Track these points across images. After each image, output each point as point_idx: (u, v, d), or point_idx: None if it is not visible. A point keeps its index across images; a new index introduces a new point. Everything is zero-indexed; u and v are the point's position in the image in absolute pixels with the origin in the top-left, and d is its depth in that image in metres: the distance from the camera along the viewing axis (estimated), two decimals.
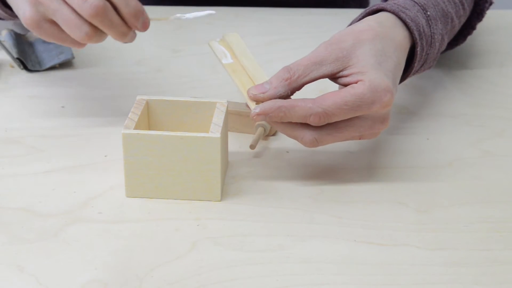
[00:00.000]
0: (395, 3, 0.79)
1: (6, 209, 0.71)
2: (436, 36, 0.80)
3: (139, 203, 0.72)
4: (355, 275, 0.64)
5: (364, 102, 0.70)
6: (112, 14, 0.73)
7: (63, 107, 0.88)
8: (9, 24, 1.01)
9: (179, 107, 0.75)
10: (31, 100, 0.89)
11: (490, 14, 1.05)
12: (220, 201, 0.73)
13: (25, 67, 0.95)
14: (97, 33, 0.73)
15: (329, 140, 0.72)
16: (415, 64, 0.79)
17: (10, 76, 0.94)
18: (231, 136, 0.80)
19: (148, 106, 0.75)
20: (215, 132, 0.70)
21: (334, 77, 0.73)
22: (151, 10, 0.81)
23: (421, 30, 0.78)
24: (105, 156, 0.79)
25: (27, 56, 0.96)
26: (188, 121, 0.76)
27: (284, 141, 0.81)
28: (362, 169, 0.78)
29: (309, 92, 0.74)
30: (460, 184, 0.76)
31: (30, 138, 0.82)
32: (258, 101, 0.72)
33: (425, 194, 0.75)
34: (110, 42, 0.79)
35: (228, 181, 0.75)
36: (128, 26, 0.74)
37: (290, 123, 0.71)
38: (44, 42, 0.99)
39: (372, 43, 0.73)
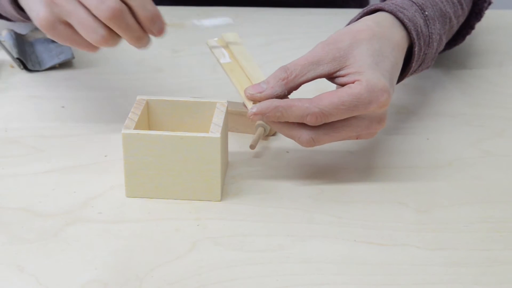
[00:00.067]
0: (393, 3, 0.79)
1: (6, 209, 0.71)
2: (434, 36, 0.80)
3: (139, 203, 0.72)
4: (355, 275, 0.64)
5: (361, 102, 0.70)
6: (129, 18, 0.71)
7: (63, 107, 0.88)
8: (9, 24, 1.01)
9: (179, 107, 0.75)
10: (31, 100, 0.89)
11: (489, 14, 1.05)
12: (220, 201, 0.73)
13: (25, 67, 0.95)
14: (112, 36, 0.71)
15: (326, 140, 0.72)
16: (413, 64, 0.79)
17: (10, 76, 0.94)
18: (231, 136, 0.80)
19: (148, 106, 0.75)
20: (215, 132, 0.70)
21: (331, 77, 0.73)
22: None
23: (419, 30, 0.78)
24: (105, 156, 0.79)
25: (27, 56, 0.96)
26: (188, 121, 0.76)
27: (284, 141, 0.81)
28: (362, 169, 0.78)
29: (307, 92, 0.74)
30: (460, 184, 0.77)
31: (30, 138, 0.82)
32: (255, 101, 0.72)
33: (425, 194, 0.75)
34: None
35: (228, 181, 0.75)
36: (144, 31, 0.73)
37: (287, 122, 0.71)
38: (44, 42, 0.99)
39: (370, 43, 0.73)
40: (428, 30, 0.79)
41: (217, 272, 0.64)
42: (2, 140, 0.81)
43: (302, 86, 0.73)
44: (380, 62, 0.72)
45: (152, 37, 0.74)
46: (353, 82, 0.71)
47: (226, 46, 0.78)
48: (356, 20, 0.79)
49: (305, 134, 0.71)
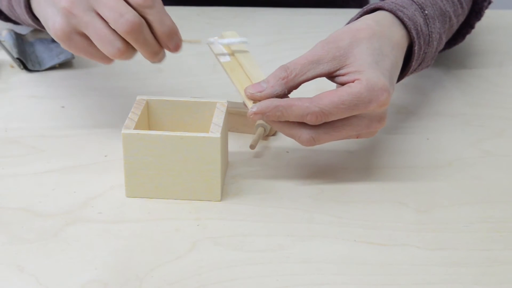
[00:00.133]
0: (392, 2, 0.79)
1: (6, 209, 0.71)
2: (434, 35, 0.80)
3: (139, 203, 0.72)
4: (355, 275, 0.64)
5: (361, 101, 0.70)
6: (147, 32, 0.71)
7: (63, 107, 0.88)
8: (10, 24, 1.01)
9: (179, 107, 0.75)
10: (31, 100, 0.89)
11: (489, 14, 1.06)
12: (220, 201, 0.73)
13: (25, 67, 0.95)
14: (128, 50, 0.71)
15: (326, 139, 0.72)
16: (413, 63, 0.79)
17: (10, 76, 0.94)
18: (231, 136, 0.80)
19: (148, 106, 0.75)
20: (215, 132, 0.70)
21: (331, 76, 0.73)
22: None
23: (419, 29, 0.78)
24: (105, 156, 0.79)
25: (27, 56, 0.97)
26: (188, 121, 0.76)
27: (284, 141, 0.81)
28: (362, 169, 0.78)
29: (307, 91, 0.74)
30: (460, 184, 0.77)
31: (30, 138, 0.82)
32: (255, 100, 0.72)
33: (425, 194, 0.75)
34: None
35: (228, 181, 0.75)
36: (160, 46, 0.73)
37: (288, 122, 0.71)
38: (44, 42, 0.99)
39: (369, 42, 0.73)
40: (428, 29, 0.79)
41: (217, 272, 0.64)
42: (2, 140, 0.81)
43: (302, 85, 0.73)
44: (380, 61, 0.72)
45: None
46: (353, 81, 0.71)
47: (226, 45, 0.78)
48: (356, 19, 0.79)
49: (305, 133, 0.71)
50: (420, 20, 0.79)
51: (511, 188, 0.76)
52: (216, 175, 0.71)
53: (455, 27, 0.91)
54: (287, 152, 0.80)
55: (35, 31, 1.02)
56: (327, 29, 0.83)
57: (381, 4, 0.79)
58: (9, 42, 0.97)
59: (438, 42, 0.83)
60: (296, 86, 0.72)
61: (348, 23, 0.80)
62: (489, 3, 0.96)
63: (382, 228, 0.70)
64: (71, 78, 0.94)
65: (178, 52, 0.74)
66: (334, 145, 0.80)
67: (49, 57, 0.97)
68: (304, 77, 0.72)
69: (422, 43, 0.78)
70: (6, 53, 0.96)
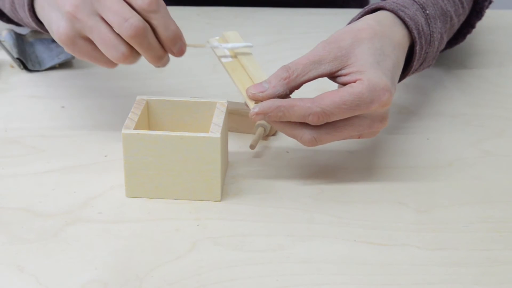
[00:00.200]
0: (394, 2, 0.79)
1: (6, 209, 0.71)
2: (435, 35, 0.80)
3: (139, 203, 0.72)
4: (355, 275, 0.64)
5: (363, 101, 0.70)
6: (151, 36, 0.71)
7: (63, 107, 0.88)
8: (11, 25, 1.01)
9: (179, 107, 0.75)
10: (31, 100, 0.89)
11: (490, 14, 1.05)
12: (220, 201, 0.73)
13: (25, 67, 0.95)
14: (132, 54, 0.71)
15: (328, 139, 0.72)
16: (414, 63, 0.79)
17: (10, 76, 0.94)
18: (231, 136, 0.80)
19: (148, 106, 0.75)
20: (215, 132, 0.70)
21: (332, 76, 0.73)
22: None
23: (420, 28, 0.78)
24: (105, 156, 0.79)
25: (27, 56, 0.96)
26: (188, 121, 0.76)
27: (284, 141, 0.81)
28: (362, 169, 0.78)
29: (308, 91, 0.74)
30: (460, 184, 0.76)
31: (30, 138, 0.82)
32: (257, 100, 0.72)
33: (425, 194, 0.75)
34: None
35: (228, 181, 0.75)
36: (164, 50, 0.73)
37: (289, 122, 0.71)
38: (44, 42, 0.99)
39: (371, 42, 0.73)
40: (429, 28, 0.79)
41: (217, 272, 0.64)
42: (2, 140, 0.81)
43: (304, 85, 0.73)
44: (382, 61, 0.72)
45: None
46: (354, 81, 0.71)
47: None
48: (357, 19, 0.79)
49: (307, 133, 0.71)
50: (421, 20, 0.79)
51: (511, 188, 0.76)
52: (216, 175, 0.71)
53: (456, 26, 0.91)
54: (287, 152, 0.80)
55: (35, 31, 1.01)
56: (328, 29, 0.83)
57: (382, 4, 0.79)
58: (9, 42, 0.97)
59: (439, 42, 0.83)
60: (297, 87, 0.72)
61: (349, 23, 0.80)
62: (490, 2, 0.96)
63: (382, 228, 0.70)
64: (71, 78, 0.94)
65: (181, 56, 0.74)
66: (334, 145, 0.80)
67: (49, 57, 0.97)
68: (305, 78, 0.72)
69: (423, 43, 0.78)
70: (6, 53, 0.96)
